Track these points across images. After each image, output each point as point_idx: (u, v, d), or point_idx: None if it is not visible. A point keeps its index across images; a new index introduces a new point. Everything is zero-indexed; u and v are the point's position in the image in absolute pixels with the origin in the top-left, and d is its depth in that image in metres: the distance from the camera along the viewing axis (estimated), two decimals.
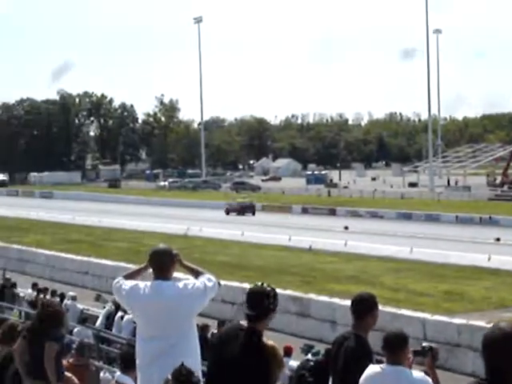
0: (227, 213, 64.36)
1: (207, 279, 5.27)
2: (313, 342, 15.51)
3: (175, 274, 5.39)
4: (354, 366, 5.27)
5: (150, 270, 5.41)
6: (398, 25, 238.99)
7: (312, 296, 22.71)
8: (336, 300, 21.37)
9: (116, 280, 5.45)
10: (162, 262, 5.27)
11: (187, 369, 4.10)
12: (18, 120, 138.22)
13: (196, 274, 5.36)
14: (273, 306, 4.81)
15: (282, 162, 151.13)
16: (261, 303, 4.77)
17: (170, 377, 4.09)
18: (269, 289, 4.83)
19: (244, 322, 4.84)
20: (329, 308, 21.36)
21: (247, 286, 25.10)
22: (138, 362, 5.30)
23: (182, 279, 5.38)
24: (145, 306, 5.21)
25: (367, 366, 5.12)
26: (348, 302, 5.83)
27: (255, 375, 4.68)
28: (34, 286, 23.26)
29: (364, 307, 5.54)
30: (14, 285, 24.63)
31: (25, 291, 24.25)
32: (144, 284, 5.28)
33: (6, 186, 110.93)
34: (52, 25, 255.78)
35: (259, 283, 4.92)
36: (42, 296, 20.14)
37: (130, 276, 5.48)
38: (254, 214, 64.03)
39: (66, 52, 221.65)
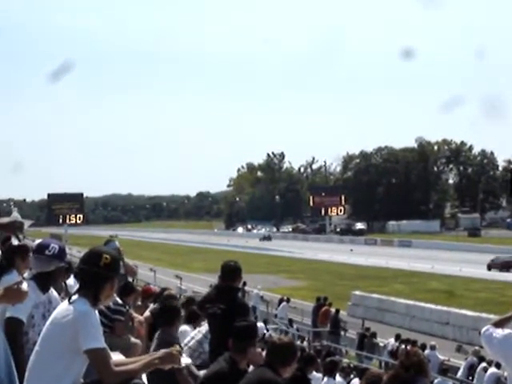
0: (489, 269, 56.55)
1: None
2: None
3: None
4: None
5: None
6: None
7: None
8: None
9: (485, 328, 5.14)
10: None
11: None
12: (376, 168, 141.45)
13: None
14: None
15: None
16: None
17: None
18: None
19: None
20: None
21: None
22: None
23: None
24: None
25: None
26: None
27: None
28: (398, 337, 23.21)
29: None
30: (374, 334, 24.79)
31: (384, 341, 24.24)
32: None
33: (364, 235, 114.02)
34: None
35: None
36: (403, 346, 19.91)
37: (500, 324, 5.16)
38: None
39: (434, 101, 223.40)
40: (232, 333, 5.92)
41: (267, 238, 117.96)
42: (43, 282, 5.29)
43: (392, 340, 23.24)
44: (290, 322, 29.07)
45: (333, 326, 27.02)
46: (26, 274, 5.55)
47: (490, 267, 55.98)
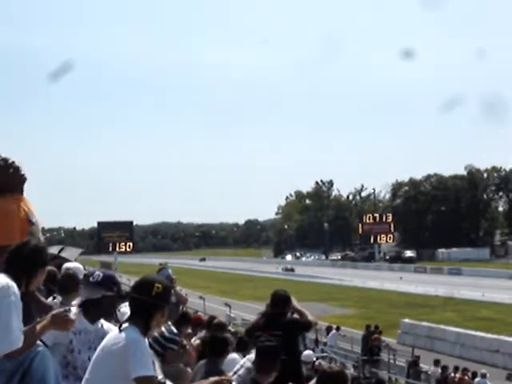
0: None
1: None
2: None
3: None
4: None
5: None
6: None
7: None
8: None
9: None
10: None
11: None
12: (426, 196, 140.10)
13: None
14: None
15: None
16: None
17: None
18: None
19: None
20: None
21: None
22: None
23: None
24: None
25: None
26: None
27: None
28: (437, 362, 23.08)
29: None
30: (416, 362, 24.64)
31: (430, 368, 24.13)
32: None
33: (413, 263, 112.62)
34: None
35: None
36: (452, 374, 19.78)
37: None
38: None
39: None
40: (256, 352, 6.00)
41: (203, 259, 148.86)
42: (89, 309, 5.24)
43: (438, 369, 23.08)
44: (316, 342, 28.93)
45: (371, 353, 26.91)
46: (74, 302, 5.62)
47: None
